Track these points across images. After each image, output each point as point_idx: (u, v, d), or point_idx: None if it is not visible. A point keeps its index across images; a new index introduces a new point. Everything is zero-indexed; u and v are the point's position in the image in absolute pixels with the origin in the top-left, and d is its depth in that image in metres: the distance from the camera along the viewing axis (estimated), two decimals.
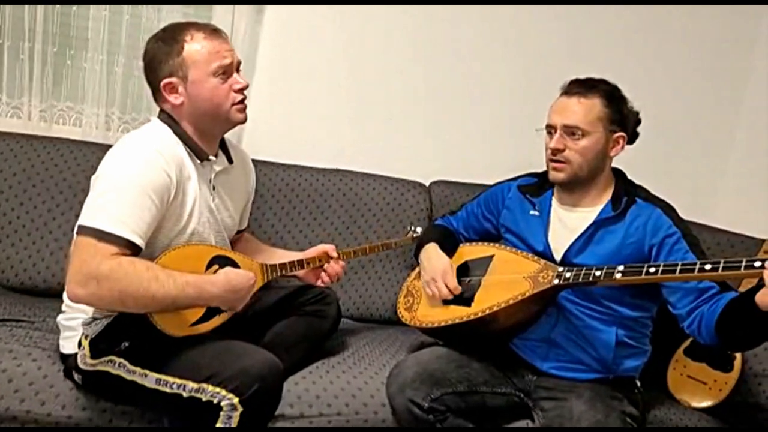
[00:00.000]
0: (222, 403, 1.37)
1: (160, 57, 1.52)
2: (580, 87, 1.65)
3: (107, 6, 2.19)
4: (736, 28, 2.58)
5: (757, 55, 2.59)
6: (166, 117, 1.56)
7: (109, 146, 2.04)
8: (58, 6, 2.19)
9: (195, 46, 1.50)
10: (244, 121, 1.61)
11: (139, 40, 2.25)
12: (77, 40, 2.23)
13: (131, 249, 1.38)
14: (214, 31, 1.55)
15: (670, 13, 2.54)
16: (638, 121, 1.70)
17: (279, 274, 1.70)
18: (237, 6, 2.24)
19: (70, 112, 2.29)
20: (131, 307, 1.39)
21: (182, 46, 1.50)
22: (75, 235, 1.39)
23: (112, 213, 1.37)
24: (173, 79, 1.51)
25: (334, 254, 1.82)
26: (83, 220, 1.38)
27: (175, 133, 1.54)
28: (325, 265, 1.81)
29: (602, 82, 1.66)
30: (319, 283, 1.82)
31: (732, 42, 2.59)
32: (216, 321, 1.52)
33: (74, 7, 2.21)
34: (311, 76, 2.41)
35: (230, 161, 1.68)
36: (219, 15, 2.24)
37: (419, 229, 2.10)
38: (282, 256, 1.84)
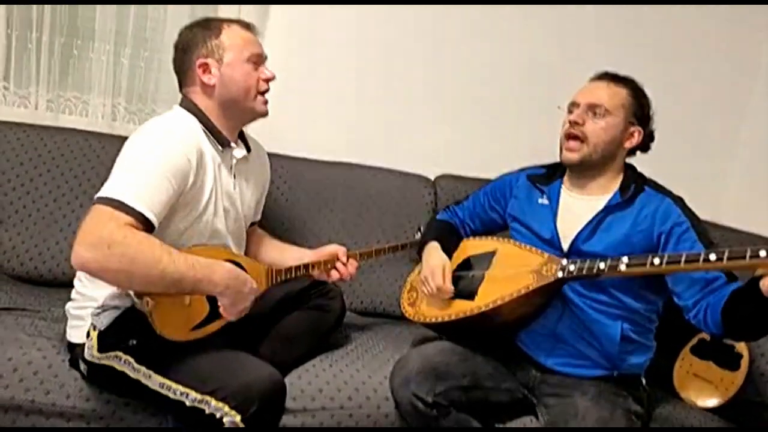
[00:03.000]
0: (224, 419, 1.36)
1: (197, 39, 1.58)
2: (610, 75, 1.70)
3: None
4: (743, 28, 2.57)
5: (763, 54, 2.58)
6: (190, 104, 1.59)
7: (115, 136, 2.09)
8: None
9: (233, 32, 1.60)
10: (265, 113, 1.66)
11: (146, 31, 2.26)
12: (84, 31, 2.23)
13: (145, 225, 1.37)
14: (247, 26, 1.65)
15: (678, 13, 2.52)
16: (652, 134, 1.71)
17: (284, 277, 1.70)
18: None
19: (77, 102, 2.28)
20: (137, 280, 1.34)
21: (221, 30, 1.58)
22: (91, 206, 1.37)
23: (131, 188, 1.37)
24: (208, 60, 1.57)
25: (344, 258, 1.81)
26: (102, 192, 1.37)
27: (198, 119, 1.58)
28: (338, 265, 1.81)
29: (631, 80, 1.70)
30: (330, 279, 1.82)
31: (738, 41, 2.58)
32: (216, 325, 1.51)
33: None
34: (317, 70, 2.40)
35: (248, 150, 1.71)
36: (225, 9, 2.23)
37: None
38: (293, 253, 1.84)
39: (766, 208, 2.47)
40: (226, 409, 1.36)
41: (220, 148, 1.59)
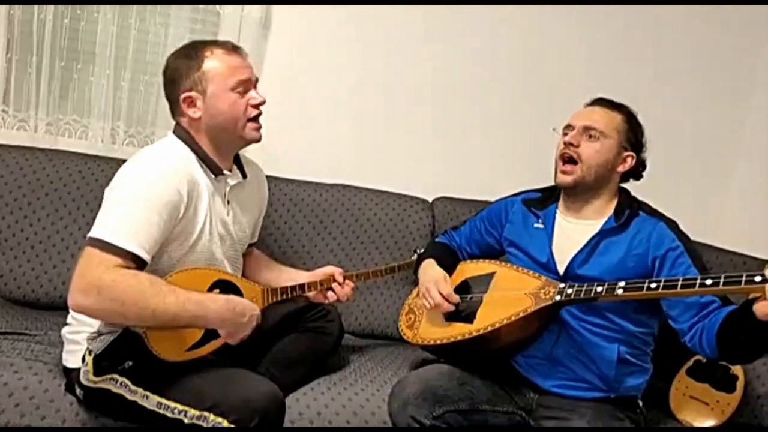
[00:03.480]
0: None
1: (181, 71, 1.55)
2: (605, 101, 1.73)
3: (115, 21, 2.21)
4: (740, 46, 2.60)
5: (760, 73, 2.60)
6: (182, 132, 1.59)
7: (114, 159, 2.10)
8: (66, 20, 2.21)
9: (215, 61, 1.55)
10: (258, 139, 1.64)
11: (146, 55, 2.28)
12: (85, 55, 2.26)
13: (136, 262, 1.39)
14: (233, 48, 1.59)
15: (676, 31, 2.56)
16: (644, 162, 1.73)
17: (280, 297, 1.70)
18: (243, 23, 2.26)
19: (76, 125, 2.30)
20: (132, 320, 1.39)
21: (202, 61, 1.54)
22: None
23: (120, 226, 1.38)
24: (192, 93, 1.55)
25: (340, 279, 1.82)
26: (92, 231, 1.39)
27: (191, 148, 1.57)
28: (334, 286, 1.82)
29: (626, 107, 1.73)
30: (326, 301, 1.83)
31: (735, 61, 2.60)
32: (212, 345, 1.51)
33: (83, 22, 2.23)
34: (315, 92, 2.42)
35: (244, 176, 1.70)
36: (225, 32, 2.26)
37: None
38: (290, 274, 1.85)
39: (760, 230, 2.48)
40: (225, 423, 1.36)
41: (213, 176, 1.59)
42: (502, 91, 2.53)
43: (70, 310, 1.58)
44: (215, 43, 1.59)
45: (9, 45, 2.17)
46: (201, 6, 2.29)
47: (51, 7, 2.16)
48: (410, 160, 2.52)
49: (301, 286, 1.76)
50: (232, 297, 1.50)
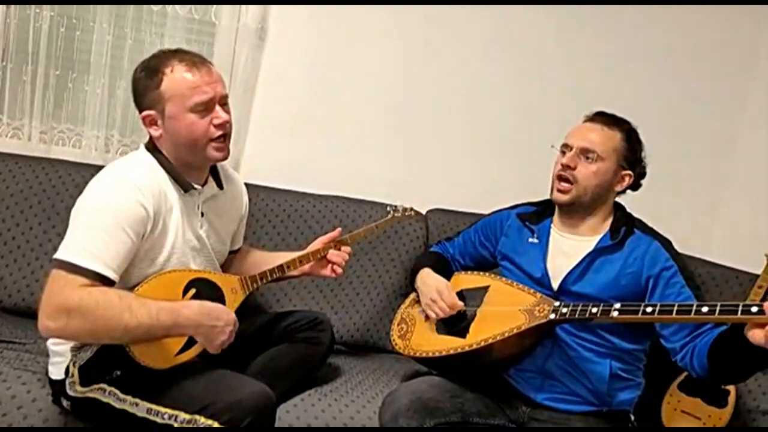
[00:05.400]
0: None
1: (141, 89, 1.51)
2: (604, 117, 1.71)
3: (111, 30, 2.22)
4: (734, 60, 2.61)
5: (754, 84, 2.62)
6: (152, 146, 1.56)
7: None
8: (62, 29, 2.22)
9: (174, 80, 1.47)
10: (222, 159, 1.57)
11: None
12: (80, 64, 2.26)
13: (103, 282, 1.37)
14: (197, 63, 1.50)
15: (668, 43, 2.57)
16: (644, 174, 1.74)
17: (261, 283, 1.68)
18: (238, 34, 2.27)
19: (70, 134, 2.30)
20: (105, 339, 1.39)
21: (161, 80, 1.48)
22: None
23: (85, 246, 1.37)
24: (152, 112, 1.50)
25: (330, 243, 1.80)
26: (57, 253, 1.38)
27: (160, 163, 1.53)
28: (330, 254, 1.80)
29: (626, 121, 1.71)
30: (329, 273, 1.81)
31: (729, 74, 2.62)
32: (199, 347, 1.49)
33: (78, 31, 2.24)
34: (310, 103, 2.43)
35: (220, 186, 1.67)
36: (220, 42, 2.27)
37: (402, 206, 2.08)
38: (279, 258, 1.81)
39: (752, 244, 2.49)
40: (216, 425, 1.36)
41: (183, 192, 1.55)
42: (498, 104, 2.54)
43: None
44: (179, 56, 1.50)
45: (4, 53, 2.18)
46: (197, 16, 2.29)
47: (47, 15, 2.17)
48: (405, 171, 2.52)
49: (280, 267, 1.73)
50: (206, 303, 1.47)
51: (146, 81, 1.50)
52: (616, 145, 1.67)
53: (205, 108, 1.49)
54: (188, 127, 1.49)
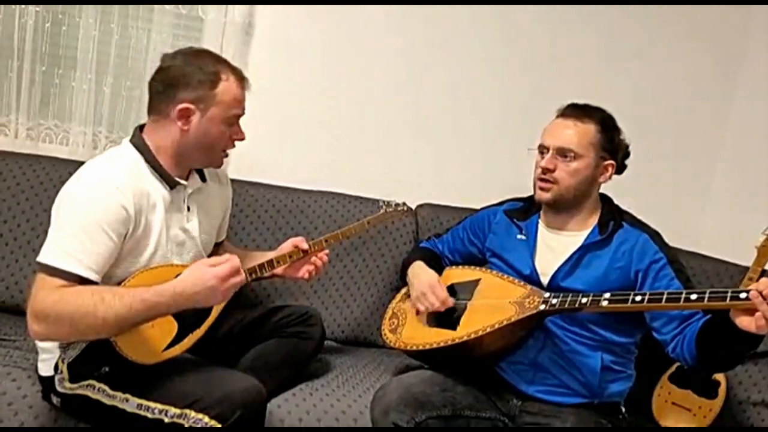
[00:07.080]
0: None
1: (190, 80, 1.49)
2: (576, 111, 1.68)
3: (97, 26, 2.20)
4: (722, 51, 2.62)
5: (741, 79, 2.63)
6: (140, 141, 1.53)
7: None
8: (48, 25, 2.20)
9: (229, 88, 1.52)
10: (219, 167, 1.67)
11: (128, 60, 2.28)
12: (66, 60, 2.24)
13: (84, 284, 1.36)
14: (244, 80, 1.57)
15: (657, 37, 2.58)
16: (627, 154, 1.73)
17: (251, 278, 1.68)
18: (226, 29, 2.26)
19: (57, 130, 2.28)
20: (89, 335, 1.38)
21: (218, 83, 1.50)
22: None
23: (65, 249, 1.36)
24: (192, 106, 1.49)
25: (305, 245, 1.81)
26: (39, 256, 1.38)
27: (146, 159, 1.51)
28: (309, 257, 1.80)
29: (598, 110, 1.68)
30: (304, 275, 1.81)
31: (716, 67, 2.63)
32: (190, 340, 1.49)
33: (64, 27, 2.22)
34: (299, 97, 2.42)
35: (203, 179, 1.67)
36: (208, 38, 2.26)
37: (395, 202, 2.09)
38: (257, 257, 1.81)
39: (741, 236, 2.50)
40: (206, 419, 1.36)
41: (169, 188, 1.54)
42: (487, 99, 2.54)
43: None
44: (230, 67, 1.55)
45: None
46: (184, 11, 2.28)
47: (32, 11, 2.14)
48: (394, 166, 2.52)
49: (270, 263, 1.73)
50: (185, 272, 1.39)
51: (201, 77, 1.49)
52: (592, 138, 1.64)
53: (235, 122, 1.56)
54: (217, 133, 1.54)
